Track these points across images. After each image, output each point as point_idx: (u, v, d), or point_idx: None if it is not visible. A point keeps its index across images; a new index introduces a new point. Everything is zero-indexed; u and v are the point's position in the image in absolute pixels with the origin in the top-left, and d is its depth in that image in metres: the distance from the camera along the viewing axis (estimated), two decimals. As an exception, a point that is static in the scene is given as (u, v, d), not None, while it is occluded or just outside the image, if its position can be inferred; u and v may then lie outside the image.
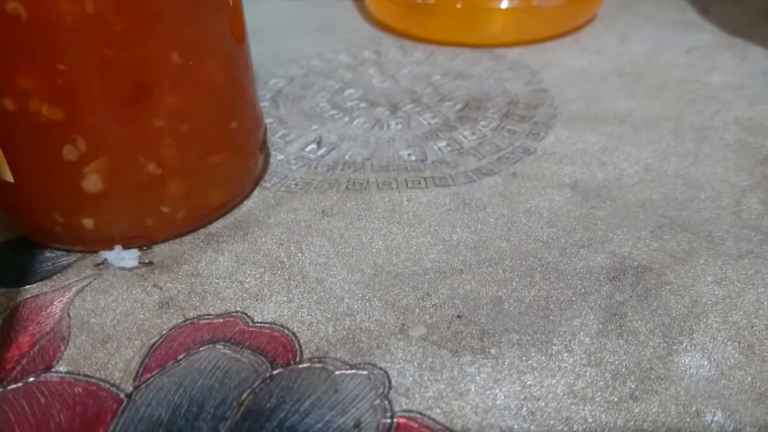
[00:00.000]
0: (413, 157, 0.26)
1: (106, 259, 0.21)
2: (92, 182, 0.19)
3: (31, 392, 0.16)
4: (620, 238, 0.21)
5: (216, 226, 0.22)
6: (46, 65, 0.17)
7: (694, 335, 0.17)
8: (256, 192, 0.24)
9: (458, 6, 0.36)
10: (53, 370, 0.17)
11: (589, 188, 0.24)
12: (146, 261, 0.21)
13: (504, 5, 0.36)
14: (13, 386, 0.16)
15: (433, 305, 0.19)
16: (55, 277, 0.20)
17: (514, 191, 0.24)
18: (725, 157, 0.25)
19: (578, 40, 0.38)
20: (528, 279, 0.19)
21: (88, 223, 0.20)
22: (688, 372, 0.16)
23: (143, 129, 0.19)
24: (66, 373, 0.17)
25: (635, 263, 0.20)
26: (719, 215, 0.22)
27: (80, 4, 0.17)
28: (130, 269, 0.20)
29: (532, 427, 0.15)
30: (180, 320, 0.18)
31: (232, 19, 0.21)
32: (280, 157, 0.26)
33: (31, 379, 0.17)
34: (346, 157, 0.26)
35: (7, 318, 0.19)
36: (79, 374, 0.17)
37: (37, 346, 0.18)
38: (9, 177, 0.19)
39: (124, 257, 0.21)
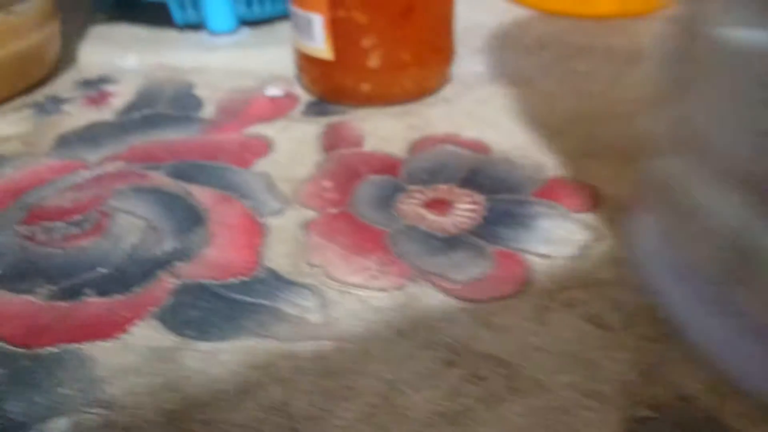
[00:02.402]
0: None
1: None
2: (374, 61, 0.34)
3: (343, 158, 0.31)
4: None
5: (430, 99, 0.37)
6: (365, -9, 0.32)
7: None
8: (447, 87, 0.39)
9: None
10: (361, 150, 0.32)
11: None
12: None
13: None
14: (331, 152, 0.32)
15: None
16: (346, 113, 0.35)
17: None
18: None
19: None
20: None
21: (365, 87, 0.35)
22: None
23: (406, 31, 0.34)
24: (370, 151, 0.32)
25: None
26: None
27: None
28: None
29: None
30: (420, 135, 0.33)
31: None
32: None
33: (343, 151, 0.32)
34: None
35: (326, 129, 0.34)
36: (372, 151, 0.32)
37: (344, 142, 0.33)
38: (331, 56, 0.35)
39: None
